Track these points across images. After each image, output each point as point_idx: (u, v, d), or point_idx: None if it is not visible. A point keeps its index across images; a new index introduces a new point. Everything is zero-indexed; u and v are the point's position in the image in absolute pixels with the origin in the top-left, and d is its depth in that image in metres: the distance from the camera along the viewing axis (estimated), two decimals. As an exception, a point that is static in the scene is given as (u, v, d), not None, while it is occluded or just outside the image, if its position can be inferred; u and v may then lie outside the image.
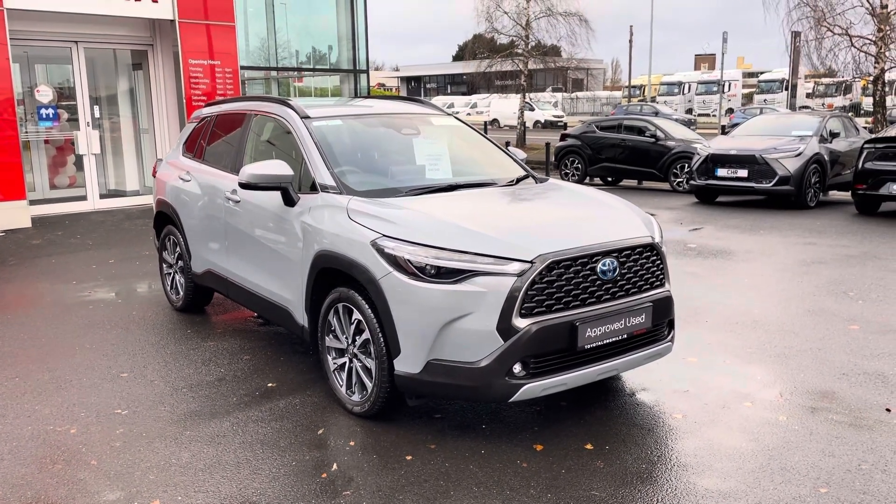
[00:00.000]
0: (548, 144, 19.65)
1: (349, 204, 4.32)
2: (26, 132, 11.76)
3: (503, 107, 46.26)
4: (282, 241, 4.79)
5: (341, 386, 4.37)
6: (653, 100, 50.68)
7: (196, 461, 3.76)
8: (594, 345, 3.91)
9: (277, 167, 4.63)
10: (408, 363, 3.87)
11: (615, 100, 58.26)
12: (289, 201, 4.69)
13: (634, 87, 60.38)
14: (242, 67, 14.26)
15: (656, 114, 37.35)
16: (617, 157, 16.57)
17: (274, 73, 18.05)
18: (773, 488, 3.45)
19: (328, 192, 4.52)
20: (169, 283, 6.67)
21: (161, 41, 12.53)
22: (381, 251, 3.92)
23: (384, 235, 3.95)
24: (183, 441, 3.99)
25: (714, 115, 46.05)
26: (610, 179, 17.47)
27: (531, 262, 3.76)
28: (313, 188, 4.61)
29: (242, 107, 5.84)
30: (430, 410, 4.34)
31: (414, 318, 3.81)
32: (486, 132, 30.26)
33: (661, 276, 4.33)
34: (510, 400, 3.79)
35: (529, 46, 29.77)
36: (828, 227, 10.66)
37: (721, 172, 13.22)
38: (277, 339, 5.70)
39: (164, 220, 6.59)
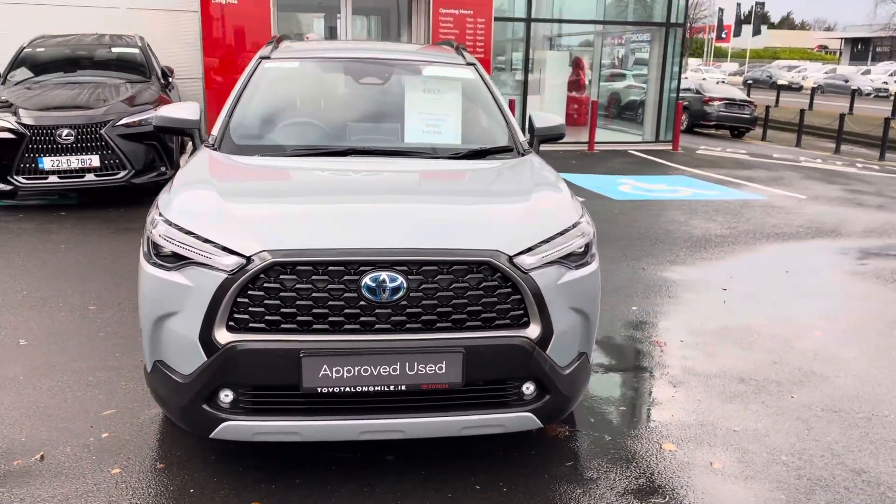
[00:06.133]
0: (887, 120, 15.57)
1: (191, 160, 3.69)
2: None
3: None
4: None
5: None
6: None
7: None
8: (334, 389, 2.74)
9: (183, 110, 4.13)
10: (146, 357, 3.17)
11: None
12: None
13: None
14: (532, 20, 13.62)
15: None
16: None
17: (600, 28, 17.04)
18: None
19: (207, 143, 3.92)
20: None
21: (425, -10, 12.56)
22: (153, 220, 3.24)
23: (157, 204, 3.25)
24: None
25: None
26: None
27: (248, 257, 2.74)
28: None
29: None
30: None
31: (141, 306, 3.08)
32: None
33: (516, 314, 2.86)
34: (210, 436, 2.86)
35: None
36: None
37: None
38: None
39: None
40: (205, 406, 2.83)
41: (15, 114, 7.75)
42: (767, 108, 21.29)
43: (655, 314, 5.29)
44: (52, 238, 6.82)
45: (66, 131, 7.73)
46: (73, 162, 7.82)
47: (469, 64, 4.60)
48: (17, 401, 3.70)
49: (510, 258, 2.84)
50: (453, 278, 2.79)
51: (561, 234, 3.04)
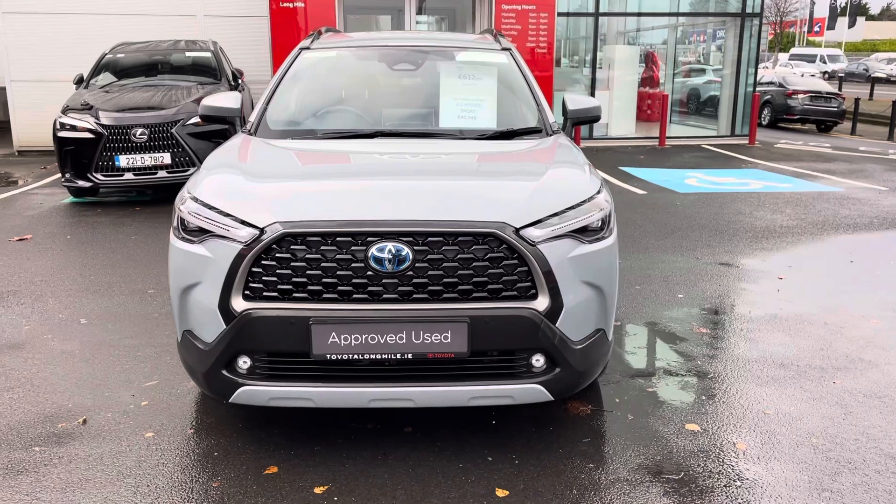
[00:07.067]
0: None
1: (224, 144, 3.87)
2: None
3: None
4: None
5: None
6: None
7: (25, 378, 3.90)
8: (343, 356, 2.83)
9: (225, 99, 4.32)
10: (177, 329, 3.35)
11: None
12: (235, 139, 4.39)
13: None
14: (600, 14, 13.49)
15: None
16: None
17: (672, 21, 16.71)
18: None
19: (244, 129, 4.10)
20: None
21: (489, -14, 12.60)
22: (181, 198, 3.42)
23: (187, 184, 3.42)
24: None
25: None
26: None
27: (261, 229, 2.86)
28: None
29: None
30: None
31: (170, 279, 3.26)
32: None
33: (524, 286, 2.88)
34: (229, 401, 3.00)
35: None
36: None
37: None
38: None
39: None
40: (224, 371, 2.97)
41: (94, 115, 8.24)
42: (857, 100, 20.28)
43: (701, 301, 5.17)
44: (125, 230, 7.21)
45: (139, 130, 8.16)
46: (147, 160, 8.24)
47: (504, 49, 4.63)
48: (70, 372, 3.96)
49: (516, 230, 2.86)
50: (459, 249, 2.84)
51: (573, 207, 3.04)
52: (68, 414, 3.49)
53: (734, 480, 2.96)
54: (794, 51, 49.58)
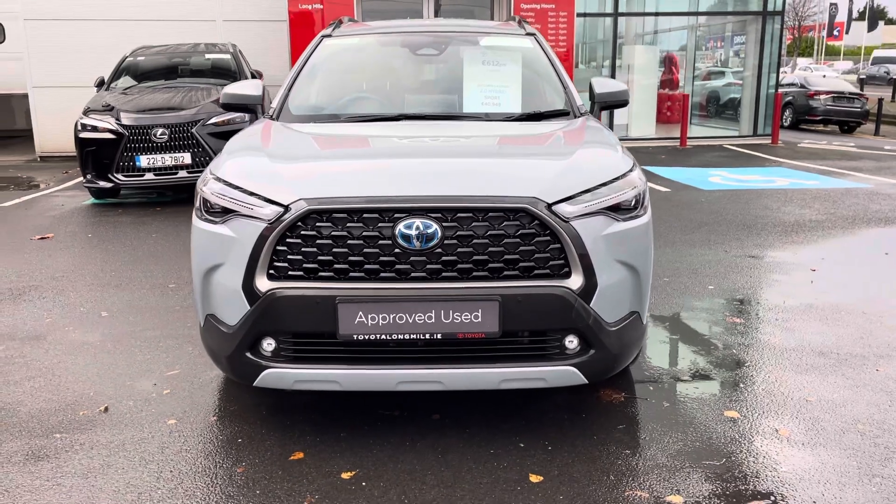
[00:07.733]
0: None
1: (247, 128, 3.81)
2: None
3: None
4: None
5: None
6: None
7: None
8: (370, 337, 2.74)
9: (247, 87, 4.27)
10: (199, 314, 3.27)
11: None
12: (256, 126, 4.33)
13: None
14: (619, 14, 13.38)
15: None
16: None
17: (692, 21, 16.56)
18: None
19: (266, 114, 4.04)
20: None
21: (508, -14, 12.53)
22: (204, 178, 3.36)
23: (210, 166, 3.36)
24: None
25: None
26: None
27: (286, 206, 2.78)
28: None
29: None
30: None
31: (192, 262, 3.19)
32: None
33: (556, 263, 2.78)
34: (254, 384, 2.92)
35: None
36: None
37: None
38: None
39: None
40: (248, 354, 2.89)
41: (115, 116, 8.24)
42: (880, 100, 20.00)
43: (733, 293, 5.03)
44: (146, 228, 7.18)
45: (160, 131, 8.16)
46: (168, 160, 8.23)
47: (529, 34, 4.54)
48: (91, 362, 3.90)
49: (549, 206, 2.76)
50: (489, 226, 2.74)
51: (605, 184, 2.93)
52: (89, 402, 3.43)
53: (779, 465, 2.83)
54: (877, 53, 46.95)
